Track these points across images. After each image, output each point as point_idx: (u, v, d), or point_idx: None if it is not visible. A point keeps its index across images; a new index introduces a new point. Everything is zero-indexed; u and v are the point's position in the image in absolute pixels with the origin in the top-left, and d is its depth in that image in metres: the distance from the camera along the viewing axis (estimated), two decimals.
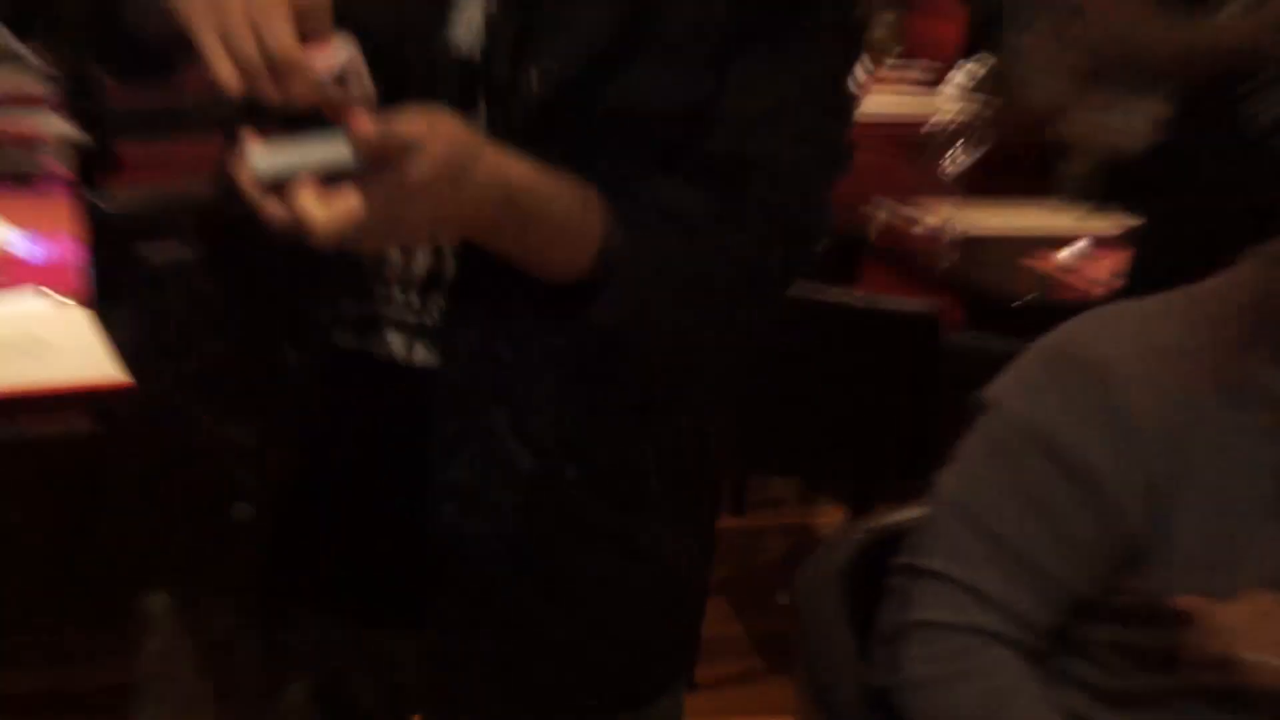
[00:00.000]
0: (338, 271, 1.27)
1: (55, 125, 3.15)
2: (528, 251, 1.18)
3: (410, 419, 1.27)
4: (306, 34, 1.06)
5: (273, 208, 1.04)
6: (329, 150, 1.05)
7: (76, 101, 3.60)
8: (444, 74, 1.21)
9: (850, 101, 1.29)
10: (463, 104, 1.20)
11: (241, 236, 1.24)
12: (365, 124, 1.05)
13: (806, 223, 1.27)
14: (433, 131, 1.08)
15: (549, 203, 1.16)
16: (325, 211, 1.04)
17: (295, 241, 1.06)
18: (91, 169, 3.25)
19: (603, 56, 1.20)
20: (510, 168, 1.15)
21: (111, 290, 2.40)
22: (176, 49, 1.11)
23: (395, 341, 1.28)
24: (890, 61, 5.06)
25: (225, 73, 1.04)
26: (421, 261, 1.27)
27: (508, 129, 1.19)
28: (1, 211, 2.57)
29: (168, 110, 4.57)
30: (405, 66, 1.20)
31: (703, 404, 1.38)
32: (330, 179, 1.04)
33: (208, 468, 1.34)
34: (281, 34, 1.04)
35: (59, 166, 2.96)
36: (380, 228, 1.07)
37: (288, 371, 1.30)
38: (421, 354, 1.27)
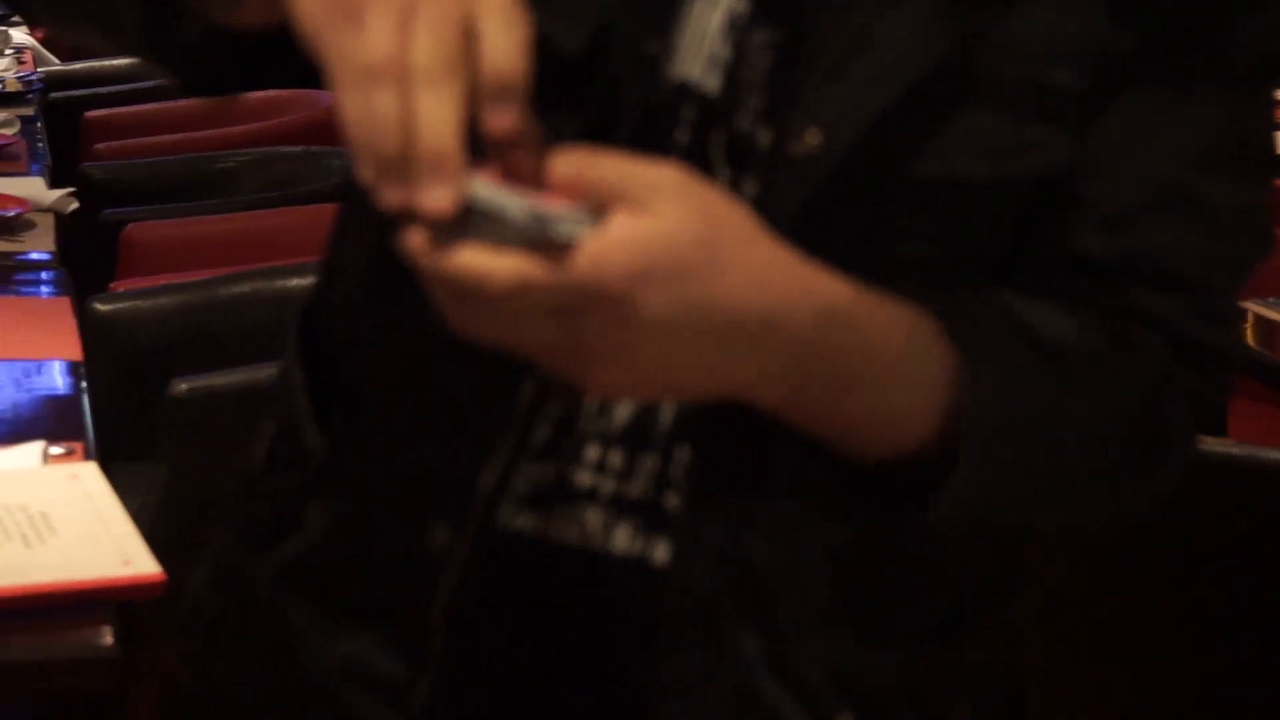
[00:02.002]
0: (506, 414, 1.00)
1: (38, 191, 2.73)
2: (838, 413, 0.91)
3: (617, 638, 1.02)
4: None
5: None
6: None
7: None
8: (668, 115, 0.97)
9: (1273, 162, 1.04)
10: (702, 168, 0.94)
11: (359, 349, 1.05)
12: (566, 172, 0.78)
13: (1218, 341, 1.04)
14: (678, 189, 0.79)
15: (877, 333, 0.89)
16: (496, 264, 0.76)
17: (445, 365, 0.92)
18: (85, 254, 2.81)
19: (912, 103, 0.95)
20: (820, 276, 0.86)
21: (132, 433, 2.00)
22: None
23: (591, 521, 1.01)
24: None
25: (361, 161, 0.76)
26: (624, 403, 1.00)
27: (770, 211, 0.88)
28: None
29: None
30: (608, 102, 0.96)
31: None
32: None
33: (322, 709, 1.06)
34: (445, 113, 0.76)
35: (45, 255, 2.51)
36: (562, 340, 0.79)
37: (435, 562, 1.02)
38: (629, 540, 1.01)
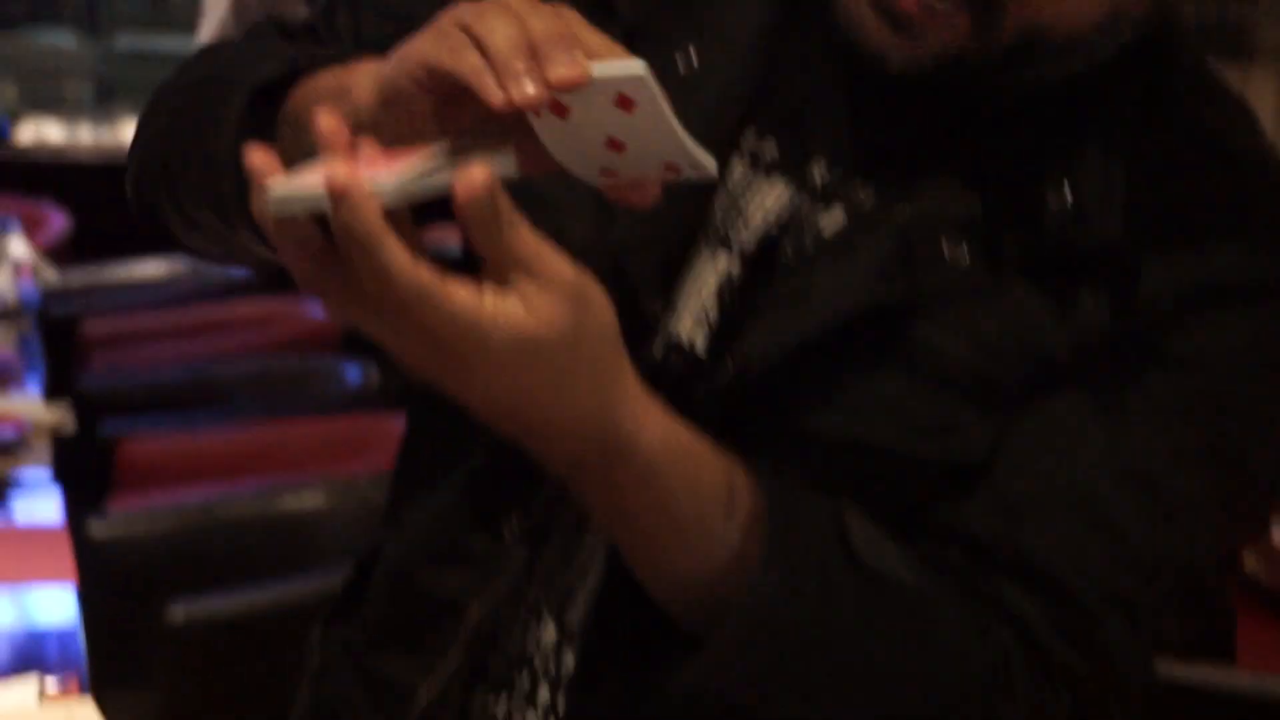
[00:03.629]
0: (452, 637, 1.12)
1: (34, 410, 2.70)
2: (632, 533, 0.98)
3: None
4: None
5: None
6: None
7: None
8: (658, 371, 1.05)
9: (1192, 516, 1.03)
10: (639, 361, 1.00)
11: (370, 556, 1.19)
12: (478, 173, 0.85)
13: (1069, 659, 1.01)
14: (582, 288, 0.89)
15: (675, 494, 0.95)
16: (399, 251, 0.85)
17: (417, 579, 1.06)
18: (81, 472, 2.78)
19: (821, 350, 1.02)
20: (649, 403, 0.95)
21: (129, 659, 2.00)
22: None
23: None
24: None
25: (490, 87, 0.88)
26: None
27: (682, 409, 0.98)
28: None
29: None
30: None
31: None
32: None
33: None
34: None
35: (40, 475, 2.47)
36: (441, 346, 0.87)
37: None
38: None
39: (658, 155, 0.91)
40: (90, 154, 7.01)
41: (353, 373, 3.57)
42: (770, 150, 1.09)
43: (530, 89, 0.86)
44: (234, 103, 1.05)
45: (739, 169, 1.09)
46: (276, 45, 1.15)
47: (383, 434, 3.09)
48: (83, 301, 4.51)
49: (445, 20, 0.91)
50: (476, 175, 0.85)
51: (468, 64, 0.88)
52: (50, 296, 4.26)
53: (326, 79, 1.01)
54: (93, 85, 7.64)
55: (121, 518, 2.51)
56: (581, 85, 0.87)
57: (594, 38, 0.90)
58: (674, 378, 1.06)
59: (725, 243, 1.08)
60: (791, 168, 1.08)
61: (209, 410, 3.45)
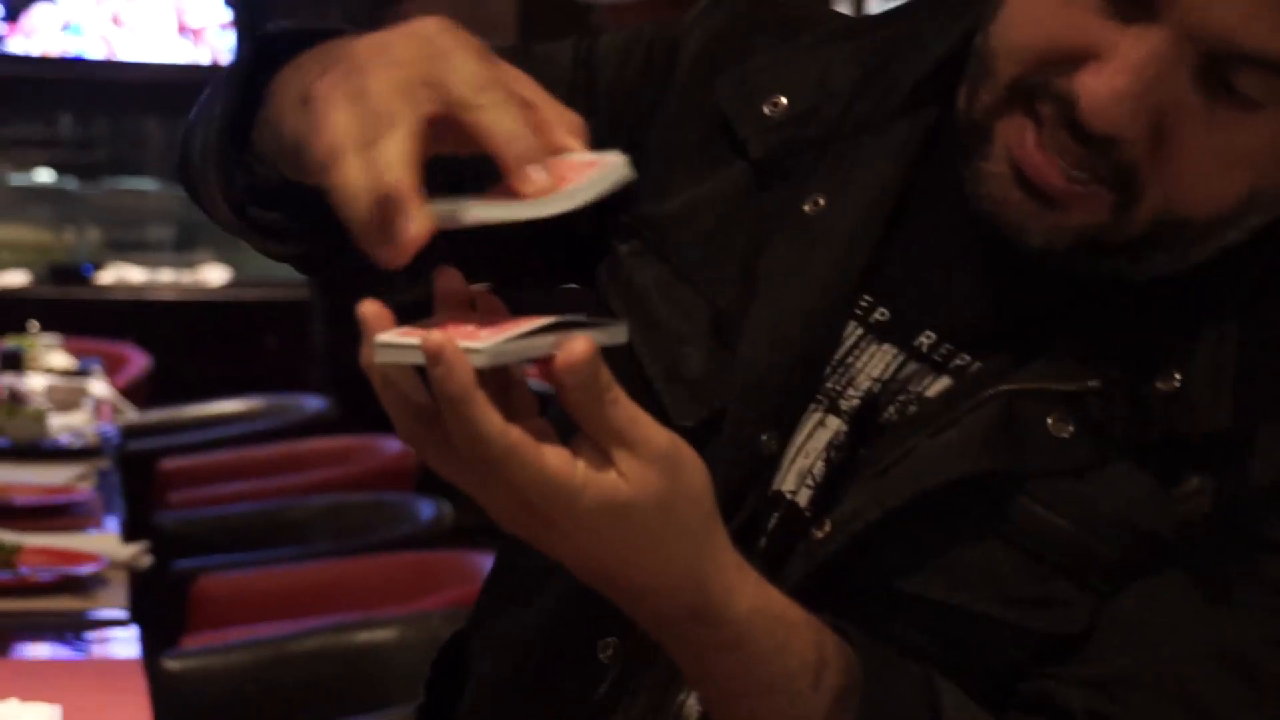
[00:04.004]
0: None
1: (112, 547, 2.71)
2: (719, 694, 0.97)
3: None
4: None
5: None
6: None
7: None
8: (759, 517, 1.07)
9: None
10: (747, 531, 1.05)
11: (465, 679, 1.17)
12: (580, 344, 0.85)
13: None
14: (676, 455, 0.88)
15: (772, 641, 0.94)
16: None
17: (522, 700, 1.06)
18: (157, 608, 2.79)
19: (920, 515, 1.01)
20: (741, 568, 0.94)
21: None
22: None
23: None
24: None
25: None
26: None
27: (781, 562, 1.03)
28: (41, 684, 2.05)
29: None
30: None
31: None
32: None
33: None
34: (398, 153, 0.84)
35: (118, 613, 2.48)
36: (531, 506, 0.87)
37: None
38: None
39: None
40: (170, 294, 7.12)
41: (426, 509, 3.58)
42: (883, 315, 1.09)
43: (383, 251, 0.85)
44: (242, 58, 1.05)
45: (850, 330, 1.09)
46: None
47: (455, 570, 3.09)
48: (161, 439, 4.56)
49: (372, 86, 0.87)
50: (579, 346, 0.85)
51: (346, 187, 0.85)
52: (129, 434, 4.32)
53: (299, 79, 0.98)
54: (174, 229, 7.77)
55: (195, 652, 2.52)
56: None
57: (452, 80, 0.87)
58: (776, 530, 1.06)
59: (835, 407, 1.08)
60: (901, 333, 1.08)
61: (283, 546, 3.47)
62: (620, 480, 0.87)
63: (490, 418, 0.84)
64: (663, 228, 1.13)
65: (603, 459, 0.87)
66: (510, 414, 0.85)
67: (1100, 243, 1.01)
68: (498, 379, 0.86)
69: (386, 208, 0.83)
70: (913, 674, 1.00)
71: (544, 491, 0.86)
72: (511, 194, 0.87)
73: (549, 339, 0.86)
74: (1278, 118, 0.97)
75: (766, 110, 1.12)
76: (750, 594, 0.94)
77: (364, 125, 0.85)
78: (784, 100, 1.12)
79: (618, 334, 0.90)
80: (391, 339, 0.86)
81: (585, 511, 0.87)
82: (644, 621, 0.96)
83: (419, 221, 0.83)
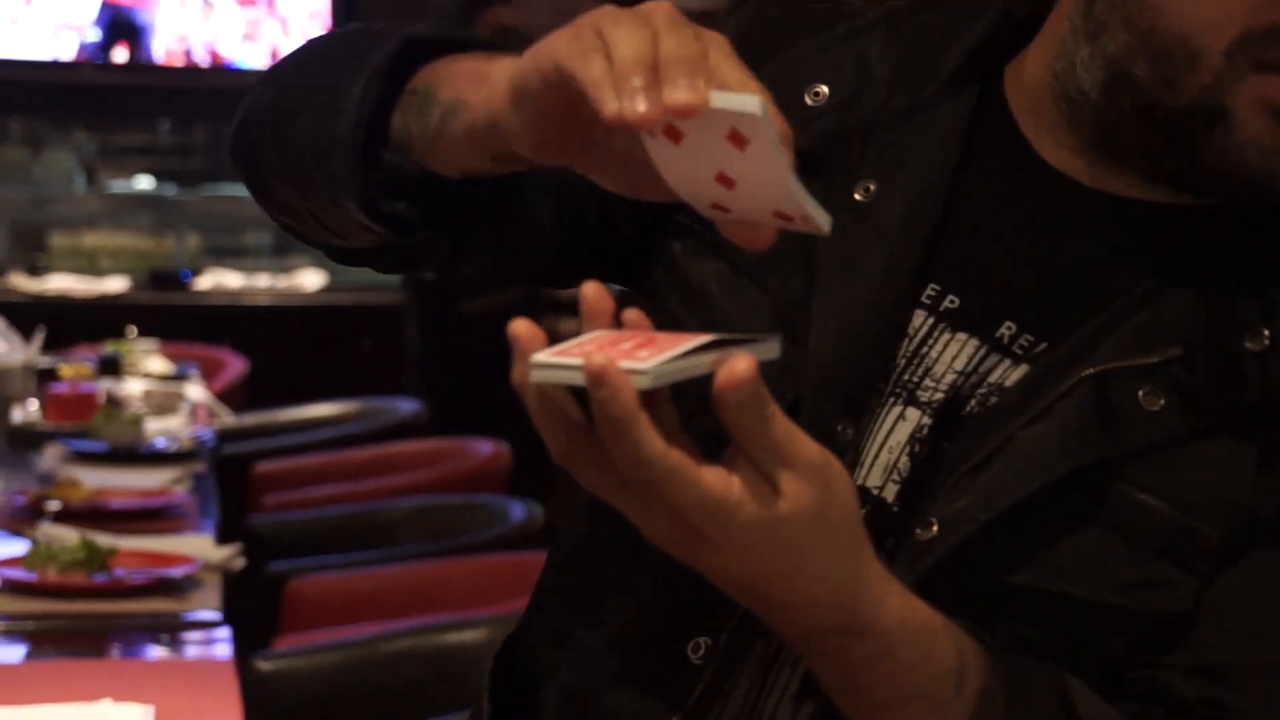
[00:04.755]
0: None
1: (206, 549, 2.74)
2: (861, 704, 0.98)
3: None
4: None
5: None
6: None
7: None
8: None
9: None
10: None
11: (535, 685, 1.16)
12: (742, 364, 0.85)
13: None
14: (828, 469, 0.89)
15: (917, 649, 0.95)
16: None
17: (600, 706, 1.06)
18: (250, 610, 2.82)
19: (1023, 511, 1.01)
20: (888, 580, 0.95)
21: None
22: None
23: None
24: None
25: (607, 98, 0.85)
26: None
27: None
28: (135, 685, 2.08)
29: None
30: None
31: None
32: None
33: None
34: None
35: (211, 614, 2.50)
36: (688, 525, 0.88)
37: None
38: None
39: (769, 199, 0.88)
40: (266, 299, 7.19)
41: (517, 511, 3.59)
42: (953, 302, 1.09)
43: (642, 107, 0.84)
44: (382, 50, 1.05)
45: (920, 319, 1.09)
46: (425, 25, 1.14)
47: None
48: (256, 443, 4.61)
49: (584, 21, 0.89)
50: (740, 365, 0.86)
51: (589, 71, 0.86)
52: (224, 438, 4.36)
53: (468, 63, 1.01)
54: (271, 235, 7.84)
55: (287, 653, 2.54)
56: (695, 112, 0.84)
57: (730, 67, 0.87)
58: (870, 528, 1.04)
59: (913, 399, 1.08)
60: (977, 322, 1.08)
61: (375, 549, 3.50)
62: (775, 497, 0.88)
63: (653, 440, 0.85)
64: None
65: (757, 475, 0.88)
66: (664, 433, 0.86)
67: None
68: (653, 397, 0.87)
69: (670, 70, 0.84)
70: (1047, 675, 1.00)
71: (701, 509, 0.87)
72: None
73: (709, 357, 0.87)
74: None
75: (809, 100, 1.12)
76: (896, 604, 0.95)
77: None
78: (825, 89, 1.12)
79: (771, 349, 0.90)
80: (549, 359, 0.86)
81: (740, 528, 0.88)
82: (792, 635, 0.97)
83: (698, 89, 0.84)
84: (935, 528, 1.04)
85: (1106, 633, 1.03)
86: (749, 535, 0.88)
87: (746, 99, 0.84)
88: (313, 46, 1.18)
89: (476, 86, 0.98)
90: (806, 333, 1.08)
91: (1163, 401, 1.01)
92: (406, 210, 1.08)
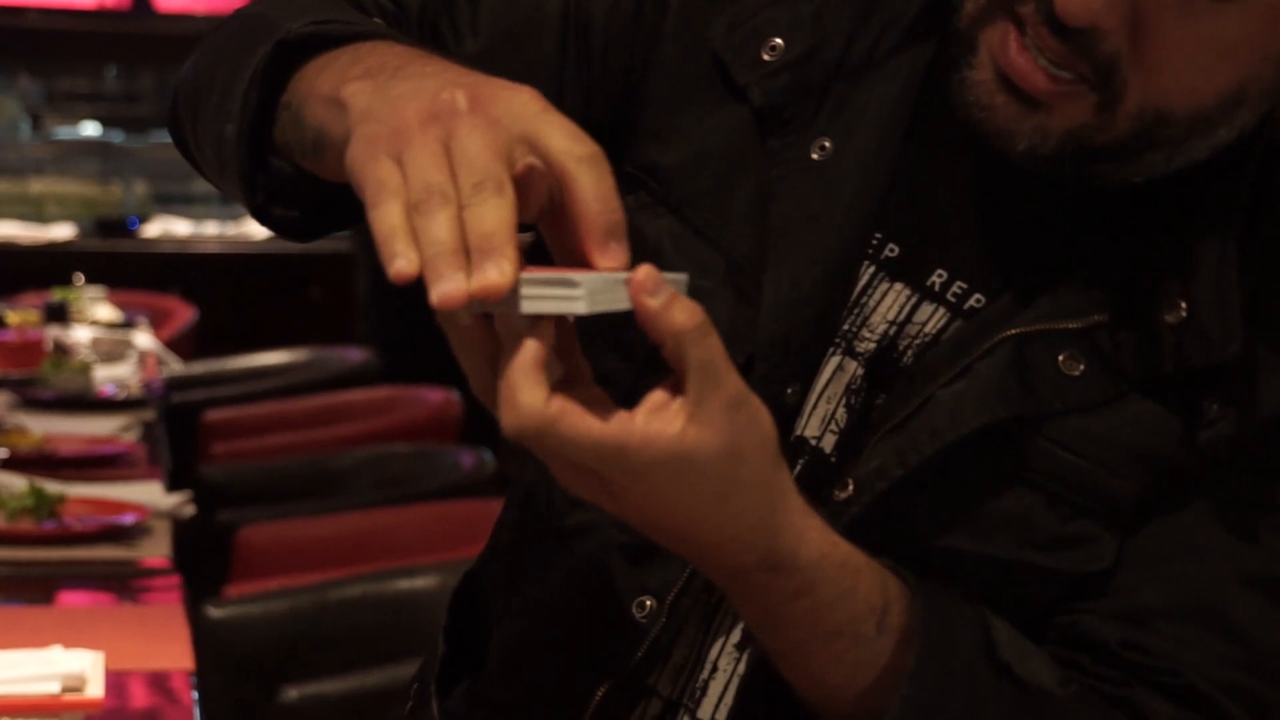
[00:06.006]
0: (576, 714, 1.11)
1: (156, 497, 2.74)
2: (785, 641, 0.98)
3: None
4: None
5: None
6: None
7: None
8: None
9: None
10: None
11: (488, 627, 1.17)
12: (643, 270, 0.85)
13: None
14: (744, 404, 0.88)
15: (839, 586, 0.96)
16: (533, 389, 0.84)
17: (543, 657, 1.07)
18: (200, 558, 2.81)
19: (941, 468, 1.02)
20: (809, 515, 0.94)
21: None
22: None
23: None
24: None
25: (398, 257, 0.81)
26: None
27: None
28: (84, 631, 2.08)
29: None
30: None
31: None
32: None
33: None
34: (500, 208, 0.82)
35: (160, 562, 2.50)
36: (591, 458, 0.86)
37: None
38: None
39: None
40: (215, 246, 7.16)
41: (468, 459, 3.59)
42: (893, 250, 1.09)
43: (442, 290, 0.81)
44: (262, 48, 1.03)
45: (864, 269, 1.09)
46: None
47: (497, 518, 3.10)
48: (205, 391, 4.60)
49: (387, 132, 0.86)
50: (642, 270, 0.85)
51: (382, 220, 0.83)
52: (174, 386, 4.34)
53: (328, 78, 0.98)
54: None
55: (237, 601, 2.55)
56: (500, 293, 0.82)
57: (551, 135, 0.86)
58: (803, 476, 1.06)
59: (850, 349, 1.08)
60: (912, 271, 1.08)
61: (326, 497, 3.50)
62: (683, 435, 0.86)
63: (528, 392, 0.84)
64: (669, 179, 1.12)
65: (667, 415, 0.86)
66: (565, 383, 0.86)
67: (1086, 144, 1.01)
68: (559, 340, 0.86)
69: (473, 259, 0.81)
70: (969, 613, 1.01)
71: (599, 455, 0.86)
72: (577, 262, 0.86)
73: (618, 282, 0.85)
74: (1256, 7, 0.96)
75: (765, 55, 1.11)
76: (817, 539, 0.95)
77: (444, 178, 0.83)
78: (780, 43, 1.11)
79: (679, 284, 0.88)
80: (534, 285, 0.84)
81: (646, 469, 0.87)
82: (714, 574, 0.96)
83: (505, 272, 0.81)
84: (851, 487, 1.05)
85: (1028, 590, 1.04)
86: (657, 475, 0.87)
87: (562, 301, 0.83)
88: (225, 23, 1.16)
89: (336, 117, 0.94)
90: (759, 292, 1.07)
91: (1083, 366, 1.02)
92: (298, 217, 1.07)
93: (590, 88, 1.14)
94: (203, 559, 3.03)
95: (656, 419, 0.86)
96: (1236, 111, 1.01)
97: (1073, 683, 1.01)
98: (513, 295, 0.83)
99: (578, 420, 0.85)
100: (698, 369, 0.86)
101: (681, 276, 0.89)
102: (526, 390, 0.84)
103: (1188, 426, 1.02)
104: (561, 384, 0.86)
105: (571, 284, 0.83)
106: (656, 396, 0.87)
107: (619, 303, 0.85)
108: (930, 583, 1.00)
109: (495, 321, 0.86)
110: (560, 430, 0.85)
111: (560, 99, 1.11)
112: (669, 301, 0.85)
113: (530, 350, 0.84)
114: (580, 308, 0.83)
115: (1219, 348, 1.01)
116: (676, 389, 0.87)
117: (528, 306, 0.84)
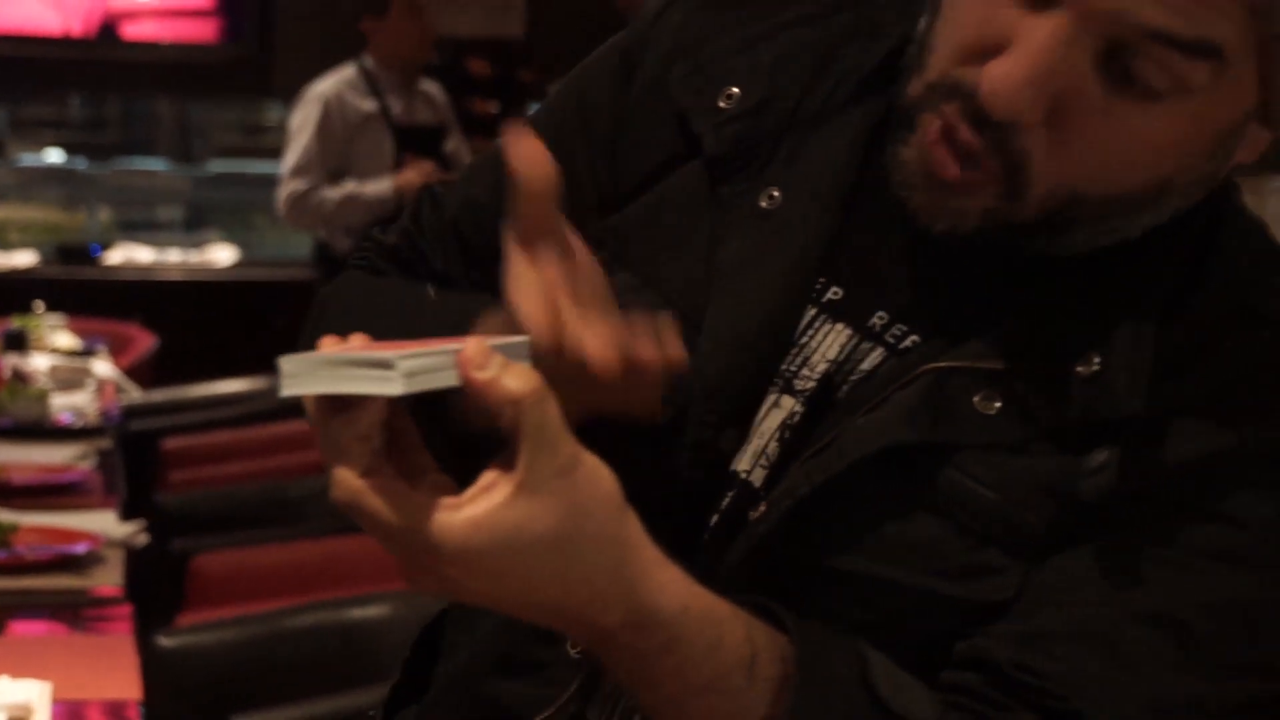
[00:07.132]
0: None
1: (109, 526, 2.74)
2: (657, 698, 0.97)
3: None
4: None
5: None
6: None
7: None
8: (712, 497, 1.09)
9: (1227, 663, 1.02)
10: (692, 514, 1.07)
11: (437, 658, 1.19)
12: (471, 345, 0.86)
13: None
14: (577, 468, 0.88)
15: (703, 638, 0.95)
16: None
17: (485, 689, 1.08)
18: (153, 587, 2.81)
19: (849, 491, 1.03)
20: (666, 568, 0.94)
21: None
22: None
23: None
24: None
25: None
26: None
27: (718, 562, 1.05)
28: (34, 661, 2.09)
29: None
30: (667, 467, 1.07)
31: None
32: None
33: None
34: None
35: (112, 590, 2.49)
36: (417, 547, 0.87)
37: None
38: None
39: None
40: (177, 274, 7.14)
41: None
42: (836, 294, 1.11)
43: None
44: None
45: (808, 313, 1.10)
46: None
47: None
48: (163, 419, 4.58)
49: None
50: (470, 346, 0.87)
51: None
52: (132, 414, 4.34)
53: None
54: (183, 210, 7.78)
55: (189, 630, 2.54)
56: None
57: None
58: (729, 508, 1.08)
59: (789, 387, 1.09)
60: (854, 312, 1.10)
61: (283, 525, 3.49)
62: (508, 509, 0.87)
63: (344, 478, 0.88)
64: (625, 235, 1.13)
65: (493, 493, 0.87)
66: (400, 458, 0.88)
67: (1003, 222, 1.03)
68: (398, 435, 0.89)
69: None
70: (844, 650, 1.01)
71: (400, 539, 0.87)
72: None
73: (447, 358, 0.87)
74: (1179, 107, 0.98)
75: (721, 103, 1.13)
76: (677, 590, 0.95)
77: None
78: (737, 91, 1.13)
79: (519, 350, 0.90)
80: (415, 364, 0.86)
81: (473, 553, 0.87)
82: (583, 640, 0.96)
83: None
84: (763, 507, 1.06)
85: (931, 617, 1.05)
86: (489, 558, 0.87)
87: (377, 382, 0.86)
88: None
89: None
90: (700, 337, 1.09)
91: (998, 405, 1.04)
92: None
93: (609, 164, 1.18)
94: (157, 588, 3.03)
95: (482, 499, 0.87)
96: (1163, 199, 1.03)
97: (951, 713, 1.01)
98: (330, 375, 0.86)
99: (373, 501, 0.87)
100: (531, 435, 0.86)
101: (523, 339, 0.91)
102: (341, 463, 0.88)
103: (1090, 472, 1.03)
104: (407, 470, 0.88)
105: (388, 364, 0.84)
106: (485, 477, 0.87)
107: (447, 380, 0.86)
108: (810, 622, 1.00)
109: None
110: (365, 506, 0.87)
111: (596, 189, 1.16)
112: (499, 372, 0.86)
113: (346, 425, 0.87)
114: (395, 389, 0.84)
115: (1123, 403, 1.03)
116: (508, 464, 0.87)
117: (343, 386, 0.86)
